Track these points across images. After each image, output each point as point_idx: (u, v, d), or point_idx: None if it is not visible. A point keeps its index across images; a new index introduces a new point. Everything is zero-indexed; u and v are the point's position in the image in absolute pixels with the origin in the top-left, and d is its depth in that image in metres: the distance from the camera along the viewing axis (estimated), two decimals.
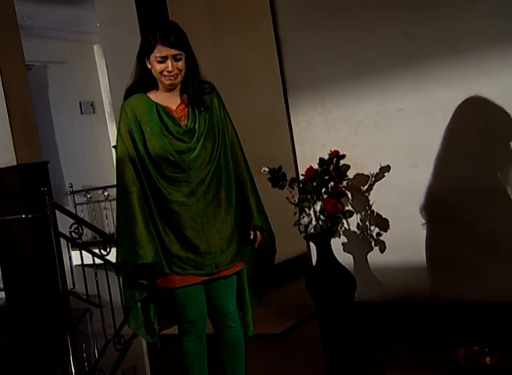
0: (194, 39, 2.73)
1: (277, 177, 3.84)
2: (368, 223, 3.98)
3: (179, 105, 2.69)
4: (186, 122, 2.66)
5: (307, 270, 4.14)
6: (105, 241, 5.80)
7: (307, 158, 4.08)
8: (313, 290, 3.87)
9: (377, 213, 3.95)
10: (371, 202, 3.96)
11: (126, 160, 2.61)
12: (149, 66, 2.63)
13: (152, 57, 2.59)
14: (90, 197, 8.71)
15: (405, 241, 3.85)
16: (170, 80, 2.61)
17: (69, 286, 5.89)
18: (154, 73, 2.63)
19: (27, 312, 5.69)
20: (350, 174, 3.88)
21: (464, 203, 3.69)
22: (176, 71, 2.59)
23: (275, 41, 4.16)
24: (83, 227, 5.88)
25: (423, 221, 3.80)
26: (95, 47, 9.31)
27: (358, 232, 4.03)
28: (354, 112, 3.98)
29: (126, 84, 2.71)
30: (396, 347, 3.74)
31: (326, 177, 3.82)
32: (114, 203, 8.76)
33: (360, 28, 3.87)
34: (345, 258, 3.99)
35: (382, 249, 3.97)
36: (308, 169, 3.84)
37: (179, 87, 2.69)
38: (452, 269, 3.76)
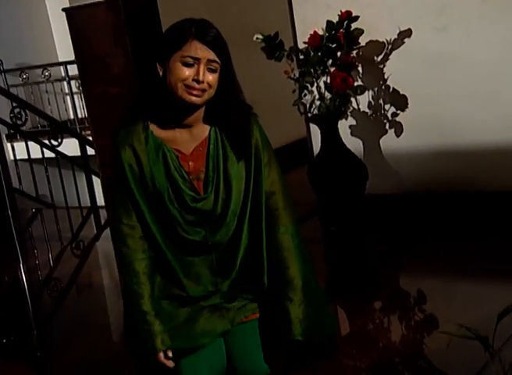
0: None
1: (273, 46, 3.59)
2: (381, 102, 3.82)
3: (196, 149, 2.08)
4: (202, 181, 2.08)
5: (309, 158, 4.01)
6: (55, 129, 5.44)
7: (309, 22, 3.81)
8: (317, 181, 3.74)
9: (393, 89, 3.79)
10: (386, 76, 3.78)
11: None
12: (160, 73, 2.00)
13: (176, 57, 1.95)
14: (27, 78, 8.28)
15: (427, 122, 3.72)
16: (195, 95, 1.94)
17: (14, 184, 5.60)
18: (169, 84, 1.97)
19: None
20: (362, 41, 3.65)
21: (505, 75, 3.49)
22: (206, 85, 1.95)
23: None
24: (27, 112, 5.47)
25: (450, 97, 3.64)
26: None
27: (370, 112, 3.86)
28: None
29: None
30: (414, 247, 3.59)
31: (333, 46, 3.56)
32: (58, 85, 8.54)
33: None
34: (353, 144, 3.84)
35: (399, 132, 3.83)
36: (312, 36, 3.56)
37: (200, 117, 2.05)
38: (483, 156, 3.63)
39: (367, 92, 3.76)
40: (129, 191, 2.00)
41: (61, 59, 8.36)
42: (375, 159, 3.87)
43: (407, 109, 3.77)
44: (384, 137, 3.87)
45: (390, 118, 3.82)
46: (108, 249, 4.56)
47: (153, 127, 2.00)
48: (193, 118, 2.01)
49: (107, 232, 4.91)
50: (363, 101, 3.83)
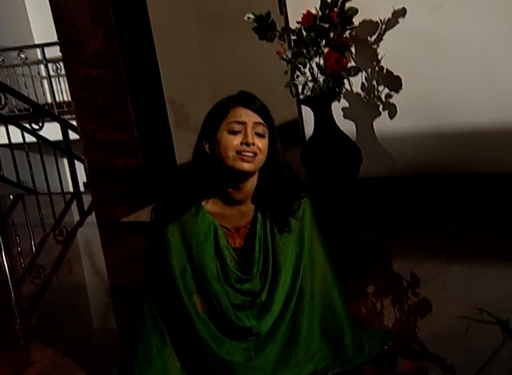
0: None
1: (265, 27, 3.56)
2: (375, 83, 3.80)
3: (243, 227, 2.08)
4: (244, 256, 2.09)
5: (302, 141, 3.98)
6: (36, 112, 5.39)
7: (301, 1, 3.74)
8: (310, 164, 3.72)
9: (387, 70, 3.76)
10: (379, 56, 3.75)
11: None
12: (207, 150, 2.00)
13: (222, 127, 1.96)
14: (2, 60, 8.19)
15: (421, 104, 3.71)
16: (247, 161, 1.93)
17: None
18: (219, 157, 1.96)
19: None
20: (355, 21, 3.62)
21: (502, 54, 3.49)
22: (256, 148, 1.94)
23: None
24: (6, 95, 5.41)
25: (445, 78, 3.63)
26: None
27: (363, 94, 3.84)
28: None
29: None
30: (408, 231, 3.58)
31: (326, 25, 3.54)
32: (35, 68, 8.45)
33: None
34: (346, 127, 3.81)
35: (392, 114, 3.81)
36: (306, 16, 3.53)
37: (250, 194, 2.03)
38: (479, 137, 3.63)
39: (360, 73, 3.73)
40: (170, 276, 2.00)
41: (37, 42, 8.28)
42: (368, 142, 3.84)
43: (401, 91, 3.74)
44: (377, 119, 3.84)
45: (384, 99, 3.79)
46: (92, 235, 4.57)
47: (204, 204, 2.02)
48: (244, 194, 2.02)
49: (91, 218, 4.88)
50: (356, 82, 3.80)
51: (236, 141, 1.95)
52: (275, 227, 2.06)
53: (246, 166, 1.95)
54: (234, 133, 1.95)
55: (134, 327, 2.13)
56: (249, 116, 1.96)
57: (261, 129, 1.96)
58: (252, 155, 1.95)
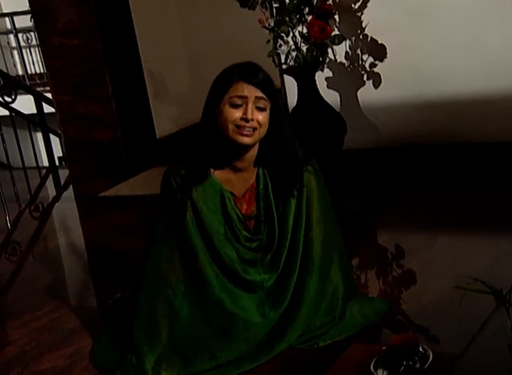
0: None
1: None
2: (359, 52, 3.78)
3: (247, 191, 2.22)
4: (253, 221, 2.24)
5: None
6: (8, 84, 5.26)
7: None
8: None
9: (371, 38, 3.75)
10: (364, 24, 3.73)
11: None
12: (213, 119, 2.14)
13: (225, 100, 2.07)
14: None
15: (406, 73, 3.70)
16: (246, 135, 2.07)
17: None
18: (221, 127, 2.09)
19: None
20: None
21: (490, 21, 3.47)
22: (256, 123, 2.06)
23: None
24: None
25: (431, 46, 3.62)
26: None
27: (347, 63, 3.82)
28: None
29: None
30: (395, 202, 3.60)
31: None
32: (4, 38, 8.25)
33: None
34: (329, 97, 3.79)
35: (377, 84, 3.80)
36: None
37: (252, 161, 2.17)
38: (465, 106, 3.63)
39: (344, 42, 3.68)
40: (186, 231, 2.14)
41: (5, 11, 8.09)
42: (352, 112, 3.82)
43: (385, 60, 3.72)
44: (362, 89, 3.83)
45: (368, 69, 3.78)
46: (69, 210, 4.53)
47: (212, 170, 2.17)
48: (246, 162, 2.16)
49: (68, 193, 4.84)
50: (340, 51, 3.77)
51: (238, 113, 2.05)
52: (276, 190, 2.20)
53: (245, 140, 2.07)
54: (235, 106, 2.05)
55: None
56: (250, 91, 2.05)
57: (262, 103, 2.06)
58: (251, 130, 2.06)
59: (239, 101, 2.06)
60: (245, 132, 2.06)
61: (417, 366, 1.95)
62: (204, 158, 2.14)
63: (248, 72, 2.08)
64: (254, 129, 2.06)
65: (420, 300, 2.49)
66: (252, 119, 2.05)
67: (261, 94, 2.06)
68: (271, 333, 2.22)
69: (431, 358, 1.96)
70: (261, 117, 2.07)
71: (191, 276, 2.18)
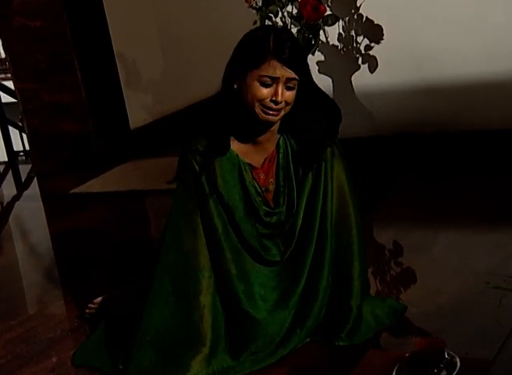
0: None
1: None
2: (353, 33, 3.75)
3: (266, 160, 2.25)
4: (272, 193, 2.26)
5: None
6: None
7: None
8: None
9: (366, 18, 3.71)
10: (358, 3, 3.68)
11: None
12: (235, 86, 2.14)
13: (254, 75, 2.09)
14: None
15: (404, 55, 3.68)
16: (272, 115, 2.11)
17: None
18: (245, 100, 2.11)
19: None
20: None
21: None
22: (283, 104, 2.10)
23: None
24: None
25: (430, 26, 3.60)
26: None
27: (340, 46, 3.79)
28: None
29: None
30: (392, 194, 3.62)
31: None
32: None
33: None
34: (322, 82, 3.64)
35: (373, 67, 3.78)
36: None
37: (275, 132, 2.21)
38: (467, 90, 3.64)
39: (337, 23, 3.63)
40: (203, 203, 2.16)
41: None
42: (346, 99, 3.80)
43: (382, 41, 3.70)
44: (356, 73, 3.81)
45: (363, 51, 3.75)
46: (34, 209, 4.42)
47: (233, 144, 2.18)
48: (268, 134, 2.19)
49: (32, 190, 4.75)
50: (332, 33, 3.74)
51: (266, 92, 2.07)
52: (297, 158, 2.24)
53: (271, 118, 2.11)
54: (265, 85, 2.07)
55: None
56: (282, 72, 2.07)
57: (292, 83, 2.09)
58: (278, 111, 2.10)
59: (269, 82, 2.07)
60: (272, 112, 2.10)
61: (444, 374, 1.88)
62: (225, 131, 2.16)
63: (282, 47, 2.07)
64: (281, 109, 2.11)
65: (435, 300, 2.43)
66: (281, 102, 2.08)
67: (293, 75, 2.08)
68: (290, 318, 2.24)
69: (458, 365, 1.88)
70: (290, 95, 2.11)
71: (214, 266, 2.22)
